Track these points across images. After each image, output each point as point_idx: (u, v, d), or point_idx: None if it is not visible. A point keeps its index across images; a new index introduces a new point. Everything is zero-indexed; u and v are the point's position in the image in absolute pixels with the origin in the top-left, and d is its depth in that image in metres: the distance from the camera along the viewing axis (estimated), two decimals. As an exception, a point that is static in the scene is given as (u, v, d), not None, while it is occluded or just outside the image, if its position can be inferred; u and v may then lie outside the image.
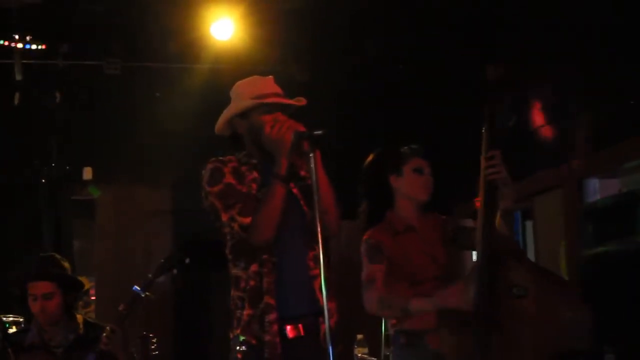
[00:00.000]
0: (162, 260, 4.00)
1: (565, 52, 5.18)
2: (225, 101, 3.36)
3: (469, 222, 3.98)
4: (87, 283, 7.92)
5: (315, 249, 3.11)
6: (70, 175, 7.35)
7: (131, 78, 6.78)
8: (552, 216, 5.71)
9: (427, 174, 3.74)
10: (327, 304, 2.85)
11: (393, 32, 6.13)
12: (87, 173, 7.39)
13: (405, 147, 3.80)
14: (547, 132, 5.57)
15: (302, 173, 3.28)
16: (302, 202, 3.24)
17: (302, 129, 3.08)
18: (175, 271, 3.97)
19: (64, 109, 6.98)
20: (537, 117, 5.61)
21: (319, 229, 2.88)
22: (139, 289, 3.90)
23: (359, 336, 4.71)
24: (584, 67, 5.08)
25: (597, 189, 5.44)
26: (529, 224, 6.18)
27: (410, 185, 3.73)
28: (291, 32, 6.26)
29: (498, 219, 3.37)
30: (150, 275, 3.93)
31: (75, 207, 7.56)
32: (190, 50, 6.58)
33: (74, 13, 6.20)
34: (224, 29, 6.31)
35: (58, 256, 4.30)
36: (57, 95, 6.89)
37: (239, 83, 3.35)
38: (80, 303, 7.76)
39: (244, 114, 3.25)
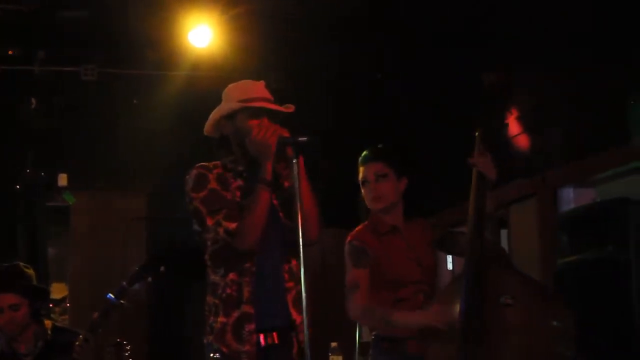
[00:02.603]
0: (137, 268, 3.98)
1: (540, 61, 5.17)
2: (203, 108, 3.35)
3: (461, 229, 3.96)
4: (65, 290, 7.87)
5: (290, 261, 3.19)
6: (46, 182, 7.29)
7: (108, 85, 6.75)
8: (527, 225, 5.69)
9: (372, 182, 3.68)
10: (303, 317, 2.88)
11: (376, 39, 6.13)
12: (63, 179, 7.35)
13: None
14: (522, 140, 5.56)
15: (286, 184, 3.26)
16: (280, 214, 3.23)
17: (286, 134, 3.09)
18: (150, 279, 3.95)
19: (39, 114, 6.93)
20: (513, 126, 5.62)
21: (300, 238, 2.89)
22: (113, 296, 3.87)
23: (333, 344, 4.70)
24: (560, 76, 5.07)
25: (571, 198, 5.46)
26: (503, 233, 6.18)
27: (364, 197, 3.73)
28: (270, 39, 6.25)
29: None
30: (124, 283, 3.90)
31: (50, 213, 7.50)
32: (168, 57, 6.56)
33: (51, 19, 6.16)
34: (202, 36, 6.28)
35: (22, 264, 4.25)
36: (33, 101, 6.85)
37: (230, 85, 3.34)
38: (58, 310, 7.70)
39: (230, 116, 3.23)
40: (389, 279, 3.58)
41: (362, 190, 3.73)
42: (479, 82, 3.42)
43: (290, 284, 3.19)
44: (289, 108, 3.26)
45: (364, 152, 3.76)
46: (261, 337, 3.11)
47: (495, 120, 3.39)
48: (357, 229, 3.71)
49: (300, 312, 2.96)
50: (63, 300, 7.81)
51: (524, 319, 3.16)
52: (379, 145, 3.78)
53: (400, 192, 3.72)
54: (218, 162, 3.27)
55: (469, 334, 3.18)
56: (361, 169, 3.72)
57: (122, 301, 3.88)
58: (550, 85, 5.21)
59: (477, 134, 3.41)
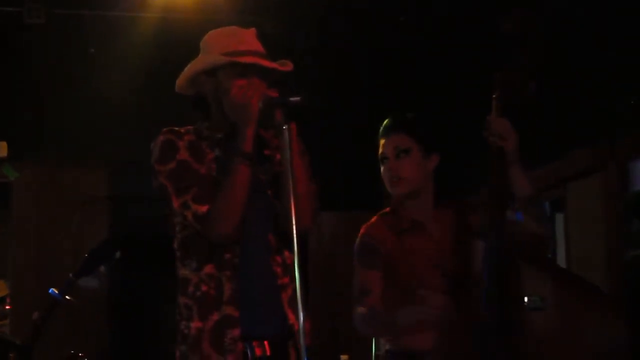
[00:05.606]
0: (87, 255, 3.96)
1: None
2: (178, 59, 3.33)
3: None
4: (5, 289, 7.89)
5: (284, 252, 3.19)
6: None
7: (58, 29, 6.69)
8: (588, 207, 5.72)
9: (391, 159, 3.66)
10: (302, 322, 2.85)
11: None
12: (2, 149, 7.33)
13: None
14: (582, 101, 5.51)
15: (277, 156, 3.23)
16: (268, 192, 3.21)
17: (274, 94, 3.05)
18: (102, 268, 3.95)
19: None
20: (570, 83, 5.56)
21: (294, 222, 2.85)
22: (57, 292, 3.87)
23: (344, 357, 4.72)
24: (632, 16, 5.00)
25: (646, 174, 5.45)
26: (559, 217, 6.17)
27: (383, 178, 3.69)
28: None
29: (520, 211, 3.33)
30: (71, 275, 3.90)
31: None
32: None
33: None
34: (177, -31, 6.27)
35: None
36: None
37: (211, 32, 3.30)
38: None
39: (211, 72, 3.20)
40: (403, 287, 3.55)
41: (382, 169, 3.69)
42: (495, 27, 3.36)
43: (285, 280, 3.17)
44: (286, 65, 3.22)
45: (385, 122, 3.72)
46: (251, 346, 3.08)
47: (519, 74, 3.30)
48: (372, 219, 3.70)
49: (301, 313, 2.91)
50: (3, 300, 7.82)
51: (558, 327, 3.14)
52: (406, 114, 3.73)
53: (429, 173, 3.68)
54: (191, 127, 3.24)
55: (491, 347, 3.13)
56: (381, 143, 3.70)
57: (67, 297, 3.87)
58: (616, 28, 5.12)
59: (494, 95, 3.35)
